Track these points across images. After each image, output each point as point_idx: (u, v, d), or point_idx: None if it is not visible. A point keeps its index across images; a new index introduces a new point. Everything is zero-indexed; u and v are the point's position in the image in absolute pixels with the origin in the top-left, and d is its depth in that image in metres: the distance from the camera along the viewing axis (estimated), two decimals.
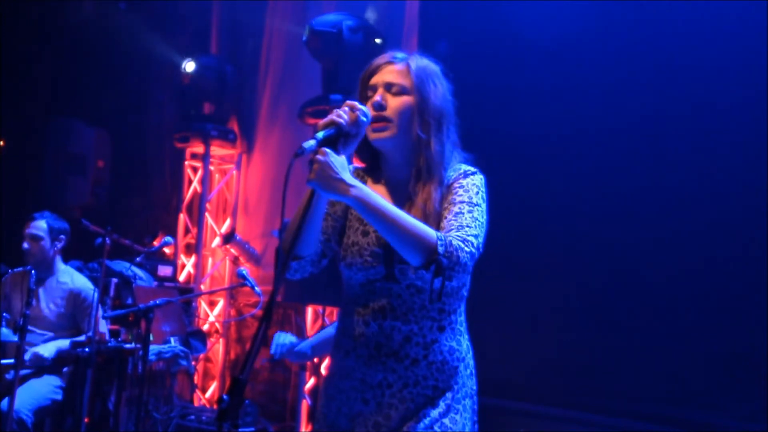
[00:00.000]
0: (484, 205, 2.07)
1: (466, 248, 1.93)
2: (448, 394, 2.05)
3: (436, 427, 2.02)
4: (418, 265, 1.92)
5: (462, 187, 2.07)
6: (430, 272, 1.91)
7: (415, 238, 1.90)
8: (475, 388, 2.15)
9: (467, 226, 1.98)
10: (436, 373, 2.05)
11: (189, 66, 6.84)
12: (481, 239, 2.00)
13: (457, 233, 1.96)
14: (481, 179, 2.12)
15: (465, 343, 2.13)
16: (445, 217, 2.03)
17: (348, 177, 1.92)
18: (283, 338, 3.73)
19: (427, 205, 2.06)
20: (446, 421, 2.03)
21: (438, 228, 2.00)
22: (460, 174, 2.10)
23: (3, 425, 3.96)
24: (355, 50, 5.37)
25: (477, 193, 2.07)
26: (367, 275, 2.09)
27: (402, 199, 2.11)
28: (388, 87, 2.11)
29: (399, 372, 2.04)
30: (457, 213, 2.02)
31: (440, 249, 1.89)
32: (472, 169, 2.13)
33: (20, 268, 4.58)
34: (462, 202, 2.04)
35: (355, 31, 5.44)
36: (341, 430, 2.09)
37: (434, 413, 2.03)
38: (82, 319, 4.53)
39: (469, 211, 2.02)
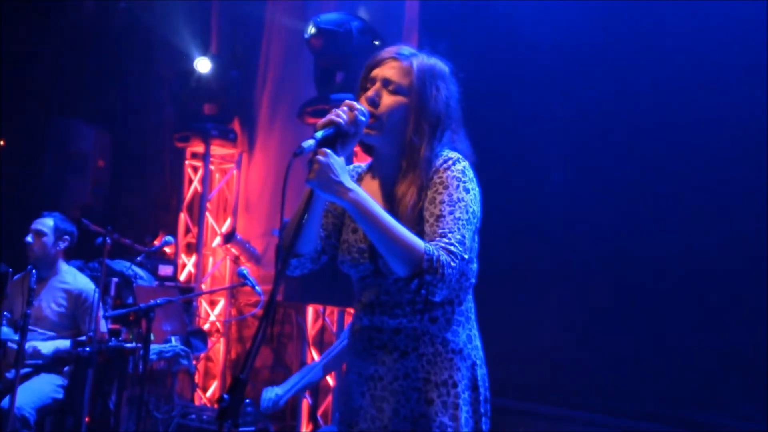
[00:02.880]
0: (468, 195, 1.99)
1: (452, 263, 1.89)
2: (443, 389, 2.00)
3: (435, 428, 1.98)
4: (404, 276, 1.90)
5: (442, 183, 2.00)
6: (412, 285, 1.89)
7: (402, 250, 1.89)
8: (479, 379, 2.08)
9: (450, 232, 1.92)
10: (427, 365, 2.01)
11: (202, 64, 6.79)
12: (468, 240, 1.95)
13: (442, 243, 1.91)
14: (463, 167, 2.02)
15: (465, 333, 2.07)
16: (427, 220, 1.98)
17: (347, 180, 1.92)
18: (270, 393, 3.85)
19: (401, 207, 2.02)
20: (446, 419, 1.99)
21: (417, 228, 1.97)
22: (440, 164, 2.03)
23: (5, 423, 3.96)
24: (362, 51, 5.35)
25: (457, 186, 1.98)
26: (358, 271, 2.11)
27: (387, 196, 2.10)
28: (386, 83, 2.07)
29: (389, 364, 2.04)
30: (438, 216, 1.96)
31: (425, 264, 1.87)
32: (454, 156, 2.04)
33: (23, 272, 4.57)
34: (443, 201, 1.97)
35: (364, 32, 5.44)
36: (349, 425, 2.12)
37: (431, 412, 1.99)
38: (82, 320, 4.53)
39: (450, 212, 1.95)
